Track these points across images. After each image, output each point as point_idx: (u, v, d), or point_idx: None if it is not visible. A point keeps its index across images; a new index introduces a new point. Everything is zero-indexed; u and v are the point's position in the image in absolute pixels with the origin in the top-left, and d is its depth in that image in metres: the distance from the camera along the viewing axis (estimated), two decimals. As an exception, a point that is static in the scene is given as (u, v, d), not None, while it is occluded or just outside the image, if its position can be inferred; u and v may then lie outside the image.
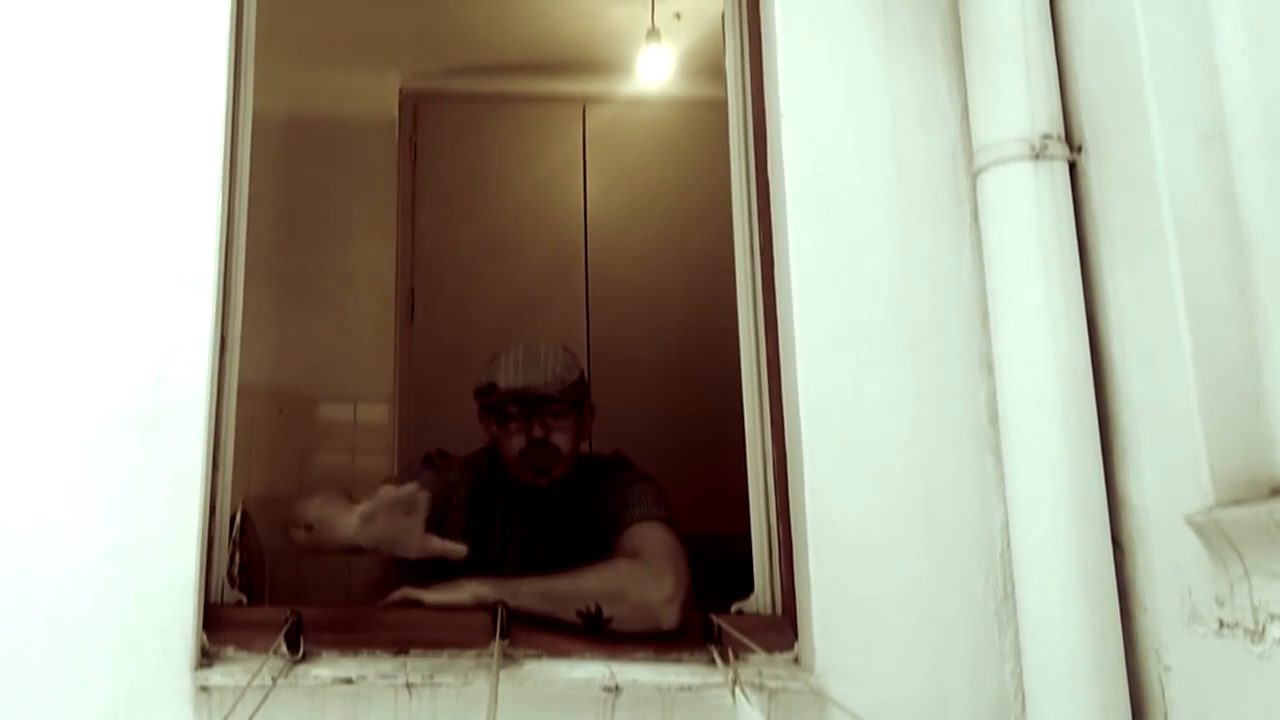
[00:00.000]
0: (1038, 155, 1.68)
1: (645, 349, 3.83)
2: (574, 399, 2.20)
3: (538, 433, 2.14)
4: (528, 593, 1.75)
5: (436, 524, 2.21)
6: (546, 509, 2.19)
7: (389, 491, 1.76)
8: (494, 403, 2.17)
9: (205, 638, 1.61)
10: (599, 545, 2.01)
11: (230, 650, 1.62)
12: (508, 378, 2.16)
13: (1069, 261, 1.67)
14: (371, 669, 1.59)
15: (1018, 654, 1.64)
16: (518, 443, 2.16)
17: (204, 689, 1.56)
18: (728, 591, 1.82)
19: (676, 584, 1.79)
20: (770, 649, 1.69)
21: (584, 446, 2.32)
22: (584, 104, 4.07)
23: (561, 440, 2.16)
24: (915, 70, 1.85)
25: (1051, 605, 1.57)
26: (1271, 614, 1.29)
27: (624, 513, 2.03)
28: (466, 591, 1.77)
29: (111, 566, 1.59)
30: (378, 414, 3.70)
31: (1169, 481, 1.48)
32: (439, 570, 1.92)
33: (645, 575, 1.81)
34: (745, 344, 1.90)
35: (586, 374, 2.29)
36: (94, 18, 1.77)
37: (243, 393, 1.77)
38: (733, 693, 1.41)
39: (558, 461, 2.16)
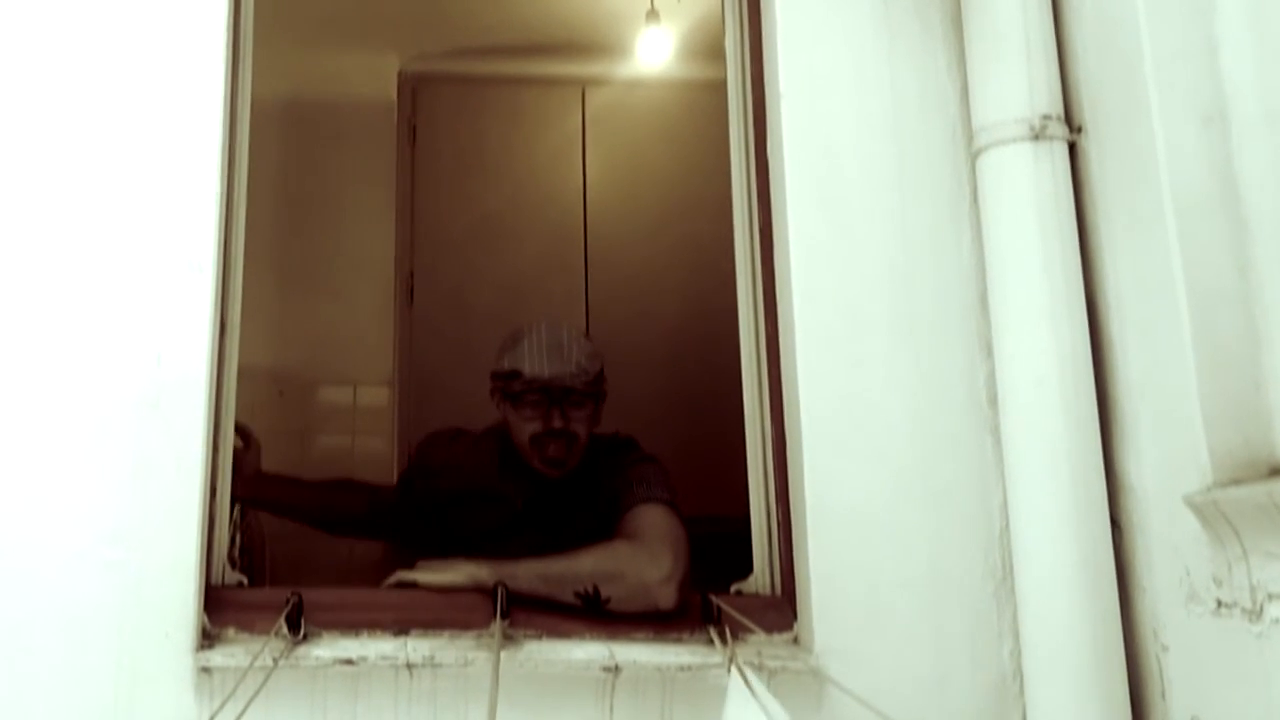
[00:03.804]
0: (1037, 136, 1.68)
1: (644, 331, 3.82)
2: (595, 390, 2.19)
3: (557, 423, 2.12)
4: (525, 575, 1.76)
5: (457, 502, 2.24)
6: (553, 486, 2.19)
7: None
8: (516, 390, 2.15)
9: (206, 619, 1.61)
10: (602, 523, 2.01)
11: (231, 631, 1.62)
12: (533, 365, 2.13)
13: (1068, 242, 1.67)
14: (372, 650, 1.60)
15: (1016, 634, 1.64)
16: (533, 429, 2.14)
17: (205, 670, 1.56)
18: (728, 572, 1.82)
19: (674, 564, 1.79)
20: (769, 629, 1.70)
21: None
22: (583, 86, 4.05)
23: (579, 429, 2.15)
24: (915, 51, 1.85)
25: (1050, 585, 1.58)
26: (1269, 594, 1.30)
27: (627, 493, 2.03)
28: (463, 573, 1.77)
29: (112, 548, 1.59)
30: (377, 397, 3.70)
31: (1168, 462, 1.49)
32: (442, 550, 1.93)
33: (642, 556, 1.81)
34: (745, 326, 1.90)
35: None
36: (93, 2, 1.76)
37: (243, 375, 1.78)
38: (728, 670, 1.42)
39: (572, 451, 2.15)
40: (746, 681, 1.35)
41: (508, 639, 1.63)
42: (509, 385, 2.16)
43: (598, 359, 2.20)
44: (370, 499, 2.32)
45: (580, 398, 2.15)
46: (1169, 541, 1.50)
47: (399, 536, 2.44)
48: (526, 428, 2.15)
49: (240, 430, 1.91)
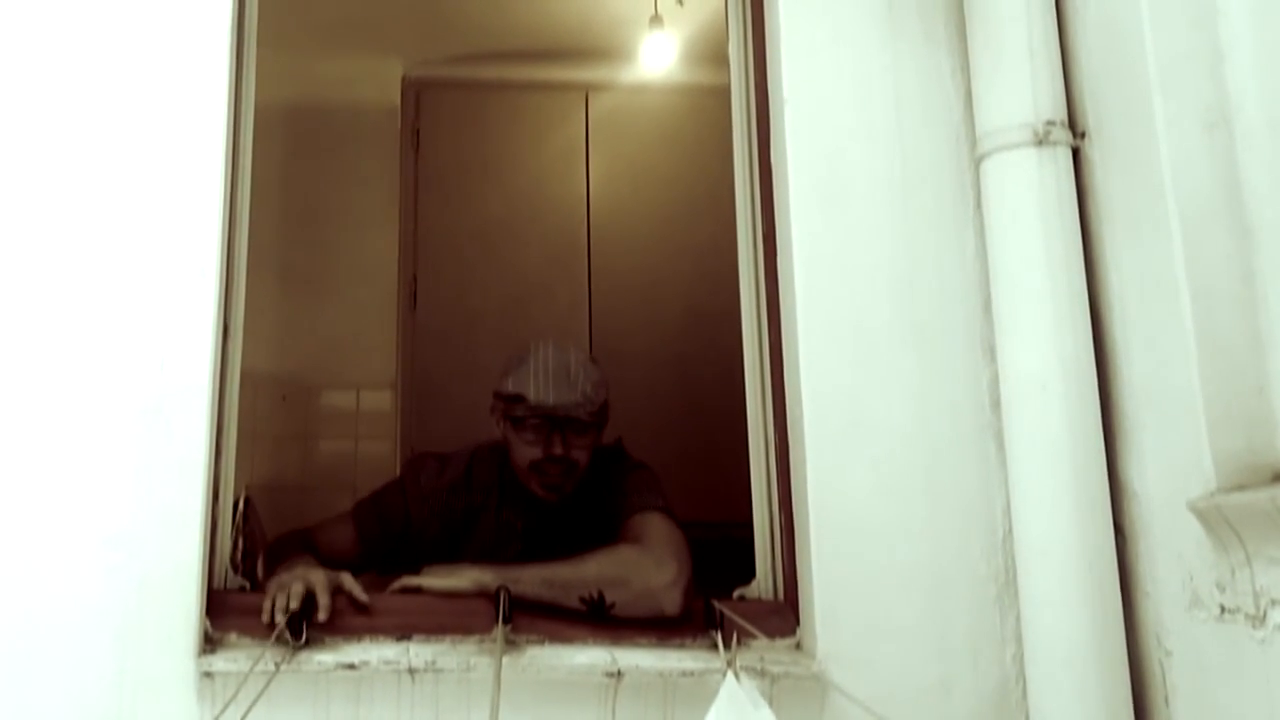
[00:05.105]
0: (1041, 141, 1.68)
1: (648, 336, 3.83)
2: (599, 420, 2.15)
3: (557, 450, 2.07)
4: (530, 579, 1.75)
5: (413, 534, 2.20)
6: (551, 508, 2.17)
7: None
8: (519, 414, 2.10)
9: (208, 624, 1.61)
10: (597, 538, 2.00)
11: (233, 636, 1.62)
12: (538, 392, 2.07)
13: (1072, 247, 1.67)
14: (374, 655, 1.60)
15: (1019, 639, 1.64)
16: (532, 453, 2.09)
17: (207, 675, 1.56)
18: (731, 578, 1.82)
19: (678, 569, 1.79)
20: (772, 634, 1.70)
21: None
22: (587, 91, 4.06)
23: (579, 456, 2.10)
24: (919, 56, 1.85)
25: (1053, 590, 1.58)
26: (1273, 599, 1.29)
27: (623, 503, 2.02)
28: (468, 578, 1.77)
29: (115, 552, 1.59)
30: (380, 401, 3.70)
31: (1171, 467, 1.49)
32: (441, 559, 1.92)
33: (647, 561, 1.81)
34: (748, 331, 1.90)
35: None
36: (98, 8, 1.77)
37: (246, 379, 1.78)
38: (723, 675, 1.41)
39: (571, 477, 2.11)
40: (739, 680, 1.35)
41: (510, 644, 1.63)
42: (511, 409, 2.11)
43: (603, 387, 2.14)
44: (359, 539, 2.23)
45: (583, 426, 2.11)
46: (1172, 547, 1.49)
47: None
48: (526, 452, 2.10)
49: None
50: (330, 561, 1.99)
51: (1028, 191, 1.69)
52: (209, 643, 1.60)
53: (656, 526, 1.95)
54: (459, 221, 3.91)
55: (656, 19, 3.51)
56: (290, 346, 3.46)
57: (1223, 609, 1.38)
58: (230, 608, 1.65)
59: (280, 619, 1.60)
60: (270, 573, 1.84)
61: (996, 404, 1.71)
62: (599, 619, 1.73)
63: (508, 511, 2.20)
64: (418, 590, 1.79)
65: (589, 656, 1.64)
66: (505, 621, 1.64)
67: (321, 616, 1.63)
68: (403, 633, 1.66)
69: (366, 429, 3.67)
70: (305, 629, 1.61)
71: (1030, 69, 1.72)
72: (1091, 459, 1.60)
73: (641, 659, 1.63)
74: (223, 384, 1.72)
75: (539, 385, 2.08)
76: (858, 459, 1.70)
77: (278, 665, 1.55)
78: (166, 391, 1.65)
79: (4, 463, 1.61)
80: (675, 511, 2.02)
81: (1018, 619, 1.65)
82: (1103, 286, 1.66)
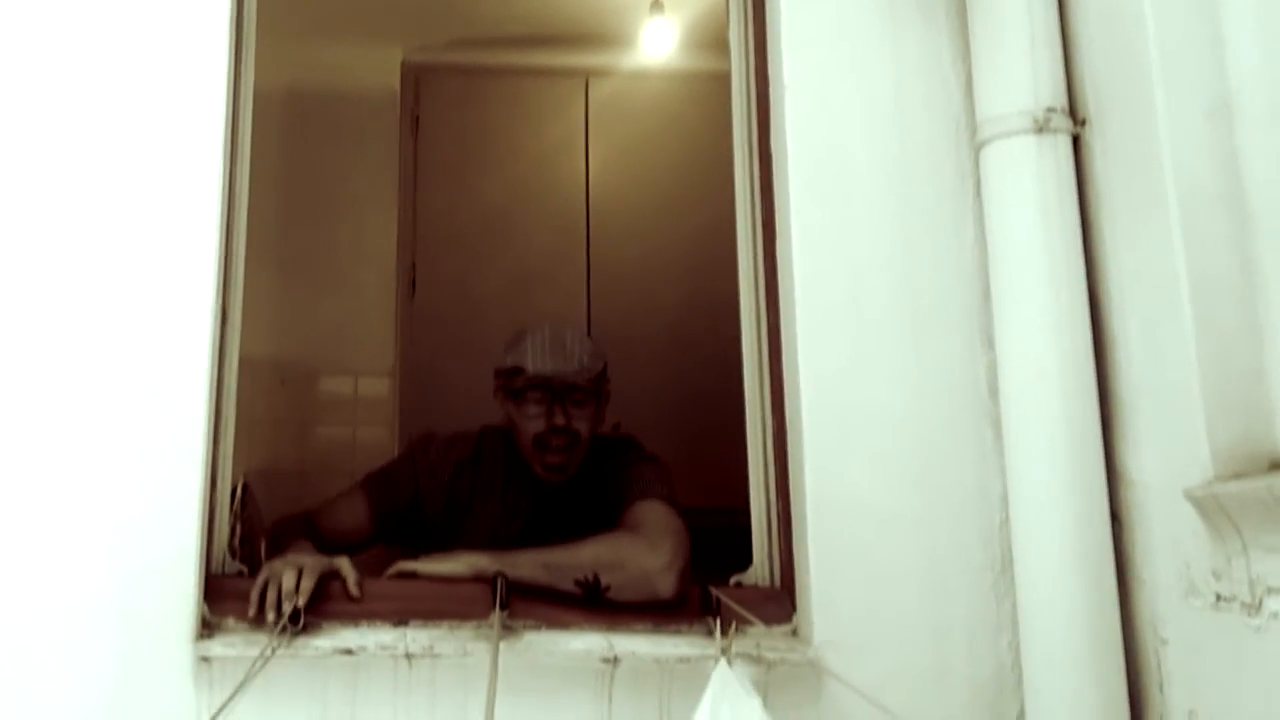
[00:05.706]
0: (1041, 128, 1.68)
1: (647, 323, 3.82)
2: (597, 389, 2.20)
3: (559, 420, 2.13)
4: (526, 563, 1.76)
5: (419, 508, 2.22)
6: (557, 491, 2.19)
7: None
8: (519, 386, 2.17)
9: (206, 609, 1.62)
10: (599, 523, 2.01)
11: (231, 621, 1.62)
12: (535, 362, 2.15)
13: (1071, 235, 1.66)
14: (371, 640, 1.60)
15: (1015, 626, 1.64)
16: (536, 426, 2.15)
17: (205, 659, 1.57)
18: (728, 564, 1.83)
19: (673, 553, 1.80)
20: (769, 621, 1.70)
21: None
22: (587, 77, 4.04)
23: (581, 427, 2.16)
24: (919, 42, 1.85)
25: (1049, 578, 1.58)
26: (1269, 587, 1.30)
27: (627, 491, 2.04)
28: (464, 563, 1.78)
29: (113, 538, 1.60)
30: (378, 387, 3.70)
31: (1169, 455, 1.49)
32: (438, 545, 1.93)
33: (642, 544, 1.82)
34: (746, 318, 1.90)
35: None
36: (95, -6, 1.77)
37: (244, 365, 1.78)
38: (715, 661, 1.41)
39: (575, 450, 2.16)
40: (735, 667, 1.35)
41: (507, 630, 1.64)
42: (511, 382, 2.18)
43: (600, 359, 2.21)
44: (372, 512, 2.25)
45: (583, 395, 2.17)
46: (1169, 535, 1.49)
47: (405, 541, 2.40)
48: (529, 425, 2.15)
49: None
50: (339, 541, 2.02)
51: (1027, 179, 1.68)
52: (207, 628, 1.61)
53: (654, 512, 1.96)
54: (458, 208, 3.89)
55: (657, 5, 3.50)
56: (289, 332, 3.45)
57: (1218, 597, 1.39)
58: (228, 593, 1.65)
59: (271, 616, 1.61)
60: (271, 558, 1.85)
61: (994, 391, 1.71)
62: (594, 602, 1.73)
63: (513, 492, 2.22)
64: (414, 575, 1.80)
65: (585, 642, 1.64)
66: (502, 607, 1.65)
67: (300, 602, 1.63)
68: (400, 618, 1.66)
69: (365, 415, 3.67)
70: (302, 614, 1.61)
71: (1031, 56, 1.71)
72: (1089, 446, 1.60)
73: (638, 645, 1.64)
74: (221, 369, 1.72)
75: (537, 356, 2.16)
76: (855, 446, 1.70)
77: (275, 650, 1.55)
78: (165, 377, 1.65)
79: (3, 449, 1.61)
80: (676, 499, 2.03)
81: (1014, 606, 1.65)
82: (1102, 274, 1.66)
